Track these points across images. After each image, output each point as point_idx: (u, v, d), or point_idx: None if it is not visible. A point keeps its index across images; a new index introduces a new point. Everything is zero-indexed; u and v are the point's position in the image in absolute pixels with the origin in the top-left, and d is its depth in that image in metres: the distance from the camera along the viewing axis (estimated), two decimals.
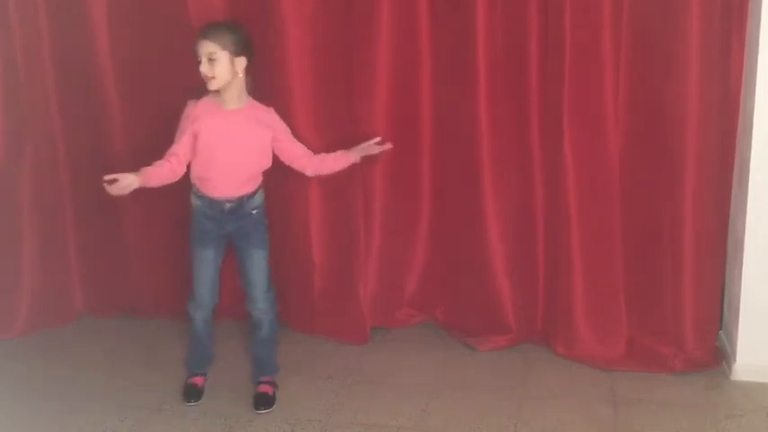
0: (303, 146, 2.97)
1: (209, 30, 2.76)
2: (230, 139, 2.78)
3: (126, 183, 2.64)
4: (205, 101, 2.81)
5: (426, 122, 3.34)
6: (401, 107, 3.31)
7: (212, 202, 2.83)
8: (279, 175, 3.34)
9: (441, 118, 3.30)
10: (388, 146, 3.09)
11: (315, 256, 3.41)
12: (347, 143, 3.24)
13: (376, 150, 3.07)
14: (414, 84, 3.29)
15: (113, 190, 2.63)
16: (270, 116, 2.88)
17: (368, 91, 3.26)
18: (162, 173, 2.75)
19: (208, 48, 2.71)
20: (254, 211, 2.88)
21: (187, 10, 3.27)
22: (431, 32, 3.23)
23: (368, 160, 3.31)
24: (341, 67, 3.23)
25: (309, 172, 3.01)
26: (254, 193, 2.87)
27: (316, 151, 3.13)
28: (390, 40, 3.22)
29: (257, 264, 2.89)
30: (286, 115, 3.26)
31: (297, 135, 3.26)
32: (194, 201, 2.87)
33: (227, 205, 2.82)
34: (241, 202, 2.83)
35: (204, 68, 2.72)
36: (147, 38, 3.37)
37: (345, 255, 3.37)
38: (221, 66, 2.72)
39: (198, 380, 3.04)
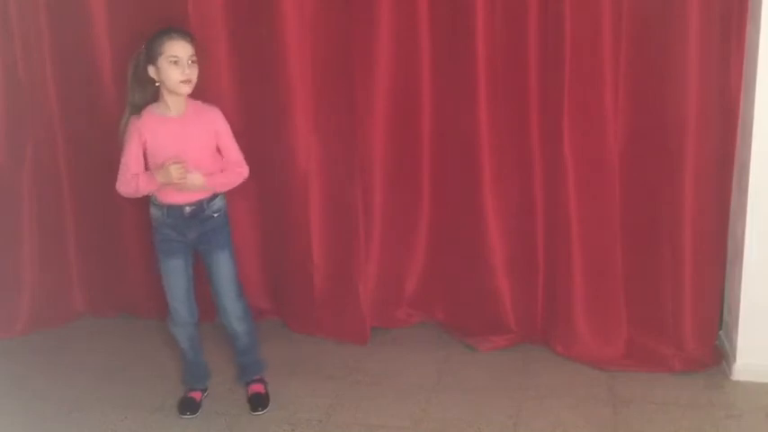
0: (238, 153, 2.80)
1: (187, 33, 2.68)
2: (179, 144, 2.67)
3: (176, 166, 2.63)
4: (147, 113, 2.69)
5: (426, 122, 3.33)
6: (401, 107, 3.31)
7: (171, 209, 2.74)
8: (279, 176, 3.36)
9: (441, 118, 3.30)
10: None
11: (315, 257, 3.41)
12: (347, 143, 3.25)
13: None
14: (414, 84, 3.29)
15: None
16: (213, 114, 2.76)
17: (368, 91, 3.26)
18: (141, 175, 2.71)
19: (190, 50, 2.63)
20: (215, 215, 2.78)
21: (187, 10, 3.27)
22: (431, 32, 3.23)
23: (368, 160, 3.32)
24: (341, 68, 3.22)
25: None
26: (215, 196, 2.78)
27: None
28: (390, 40, 3.23)
29: (223, 265, 2.80)
30: (286, 115, 3.27)
31: (297, 135, 3.28)
32: (153, 212, 2.78)
33: (187, 209, 2.73)
34: (201, 204, 2.75)
35: (189, 71, 2.62)
36: (147, 37, 3.37)
37: (345, 255, 3.37)
38: (196, 72, 2.65)
39: (196, 394, 2.98)
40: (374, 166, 3.35)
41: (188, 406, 2.93)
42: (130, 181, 2.71)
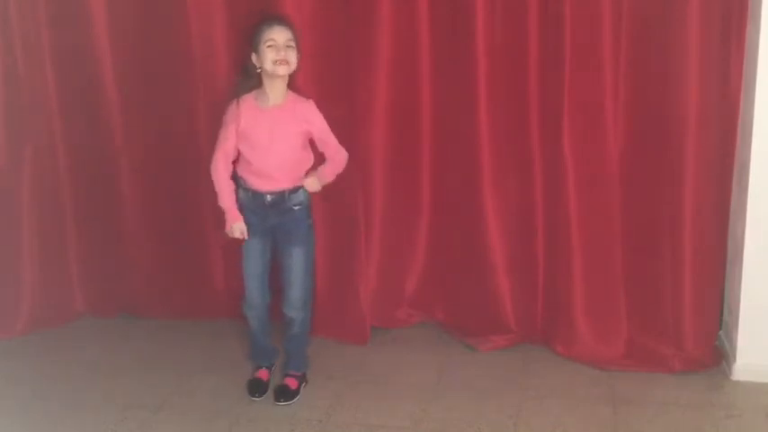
0: (335, 142, 2.94)
1: (285, 19, 2.83)
2: (269, 136, 2.80)
3: (241, 227, 2.85)
4: (246, 99, 2.83)
5: (426, 123, 3.33)
6: (401, 107, 3.31)
7: (255, 195, 2.86)
8: None
9: (441, 118, 3.30)
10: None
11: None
12: (347, 143, 3.24)
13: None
14: (414, 84, 3.29)
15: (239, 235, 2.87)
16: (306, 107, 2.87)
17: (368, 91, 3.26)
18: (228, 186, 2.87)
19: (287, 35, 2.76)
20: (295, 207, 2.88)
21: (187, 10, 3.27)
22: (431, 32, 3.23)
23: (368, 160, 3.32)
24: (341, 68, 3.22)
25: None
26: (297, 189, 2.89)
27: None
28: (390, 40, 3.23)
29: (296, 260, 2.89)
30: None
31: None
32: (240, 194, 2.90)
33: (269, 198, 2.85)
34: (282, 196, 2.86)
35: (284, 53, 2.73)
36: (147, 37, 3.38)
37: (345, 255, 3.37)
38: (294, 55, 2.77)
39: (262, 373, 3.06)
40: (374, 166, 3.35)
41: (256, 387, 3.00)
42: (219, 165, 2.85)
